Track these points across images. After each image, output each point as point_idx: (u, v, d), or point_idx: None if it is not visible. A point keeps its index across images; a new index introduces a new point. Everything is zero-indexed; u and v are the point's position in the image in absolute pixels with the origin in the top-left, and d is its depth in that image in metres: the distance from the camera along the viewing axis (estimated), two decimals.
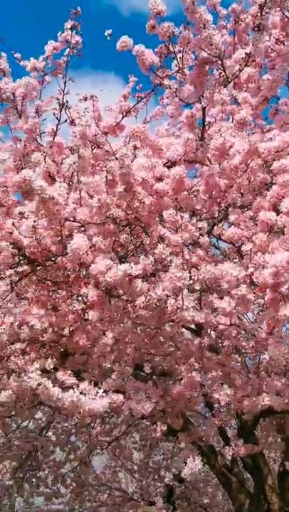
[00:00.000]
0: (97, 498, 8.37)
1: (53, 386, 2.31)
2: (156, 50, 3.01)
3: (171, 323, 3.43)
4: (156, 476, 8.08)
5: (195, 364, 3.06)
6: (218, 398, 3.04)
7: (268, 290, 2.26)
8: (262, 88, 3.23)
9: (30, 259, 3.26)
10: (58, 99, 2.78)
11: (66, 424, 6.12)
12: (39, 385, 2.24)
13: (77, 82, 4.19)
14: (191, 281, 2.24)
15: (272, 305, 2.31)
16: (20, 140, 3.46)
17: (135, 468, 8.35)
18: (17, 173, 3.44)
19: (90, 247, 2.42)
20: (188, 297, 2.27)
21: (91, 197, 2.62)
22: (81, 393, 2.44)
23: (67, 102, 2.78)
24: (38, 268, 3.33)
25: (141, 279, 2.23)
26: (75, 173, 2.44)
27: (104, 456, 8.33)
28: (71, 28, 3.04)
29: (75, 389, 2.28)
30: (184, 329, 3.98)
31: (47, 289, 3.55)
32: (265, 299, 2.27)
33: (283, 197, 2.41)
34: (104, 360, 3.25)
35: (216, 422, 3.53)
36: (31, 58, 4.17)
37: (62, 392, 2.26)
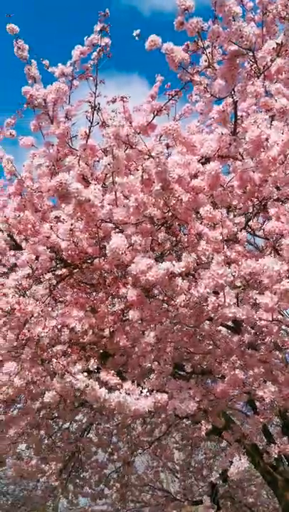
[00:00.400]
0: (140, 499, 8.39)
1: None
2: (183, 46, 3.00)
3: (209, 321, 3.41)
4: (198, 476, 8.04)
5: (237, 361, 3.02)
6: (262, 396, 2.99)
7: None
8: None
9: (66, 262, 3.29)
10: (90, 102, 2.79)
11: (108, 425, 6.15)
12: (87, 386, 2.25)
13: (103, 85, 4.22)
14: (231, 278, 2.21)
15: None
16: (53, 145, 3.49)
17: (177, 468, 8.32)
18: (51, 178, 3.48)
19: (128, 247, 2.42)
20: (230, 294, 2.24)
21: (126, 197, 2.62)
22: (126, 393, 2.45)
23: (98, 104, 2.79)
24: (75, 271, 3.36)
25: (181, 278, 2.22)
26: (109, 175, 2.45)
27: (146, 457, 8.35)
28: (100, 31, 3.05)
29: (121, 389, 2.28)
30: (221, 327, 3.94)
31: (84, 291, 3.58)
32: None
33: None
34: (144, 360, 3.26)
35: (261, 420, 3.47)
36: (59, 64, 4.22)
37: (108, 393, 2.27)
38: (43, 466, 5.10)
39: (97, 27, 3.13)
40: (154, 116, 2.87)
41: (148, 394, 2.44)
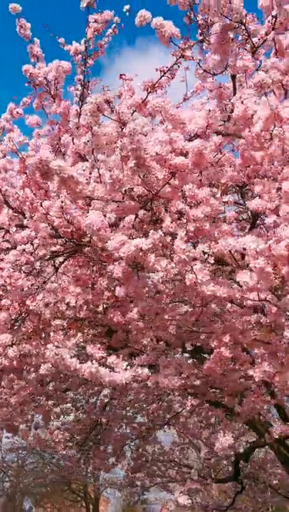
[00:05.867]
0: (167, 474, 8.56)
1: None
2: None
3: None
4: (222, 455, 8.08)
5: (226, 339, 3.02)
6: (252, 375, 2.99)
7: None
8: None
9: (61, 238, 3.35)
10: (80, 80, 2.80)
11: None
12: (56, 355, 2.33)
13: (113, 60, 4.19)
14: (198, 255, 2.21)
15: None
16: (57, 123, 3.54)
17: (202, 445, 8.41)
18: (56, 156, 3.55)
19: (112, 225, 2.45)
20: (202, 271, 2.24)
21: None
22: (108, 366, 2.53)
23: (88, 81, 2.81)
24: (71, 247, 3.42)
25: (154, 254, 2.24)
26: (95, 151, 2.47)
27: (172, 433, 8.47)
28: (87, 7, 3.05)
29: (93, 361, 2.35)
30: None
31: (86, 267, 3.66)
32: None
33: None
34: (141, 337, 3.31)
35: (253, 400, 3.46)
36: (73, 42, 4.24)
37: (80, 364, 2.34)
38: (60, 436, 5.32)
39: (83, 2, 3.10)
40: (147, 94, 2.85)
41: (128, 367, 2.50)
